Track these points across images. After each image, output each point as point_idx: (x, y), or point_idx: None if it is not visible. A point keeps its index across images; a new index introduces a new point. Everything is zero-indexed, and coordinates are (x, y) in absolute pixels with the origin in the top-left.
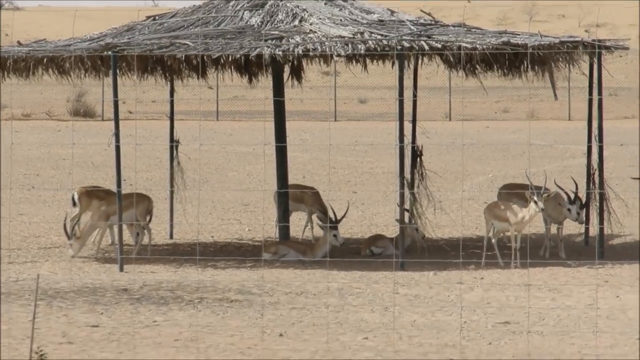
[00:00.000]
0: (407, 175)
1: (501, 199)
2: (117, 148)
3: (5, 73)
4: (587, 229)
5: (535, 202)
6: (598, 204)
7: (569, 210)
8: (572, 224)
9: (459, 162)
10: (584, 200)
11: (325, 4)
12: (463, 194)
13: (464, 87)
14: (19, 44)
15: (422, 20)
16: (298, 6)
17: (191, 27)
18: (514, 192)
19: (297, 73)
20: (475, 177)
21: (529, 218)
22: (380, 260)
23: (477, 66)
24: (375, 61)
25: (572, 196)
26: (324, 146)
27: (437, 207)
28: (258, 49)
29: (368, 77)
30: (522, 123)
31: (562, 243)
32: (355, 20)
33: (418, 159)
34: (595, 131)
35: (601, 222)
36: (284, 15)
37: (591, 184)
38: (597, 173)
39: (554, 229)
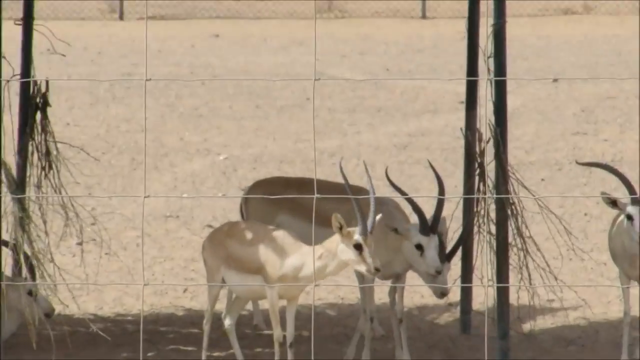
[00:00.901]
0: (10, 157)
1: (249, 217)
2: None
3: None
4: (465, 292)
5: (341, 230)
6: (494, 231)
7: (418, 248)
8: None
9: (139, 125)
10: (454, 227)
11: None
12: (148, 202)
13: None
14: None
15: None
16: None
17: None
18: (285, 200)
19: None
20: (185, 160)
21: (322, 267)
22: None
23: None
24: None
25: (430, 216)
26: None
27: (87, 238)
28: None
29: None
30: (303, 26)
31: (403, 328)
32: None
33: (38, 115)
34: (486, 48)
35: (502, 276)
36: None
37: (477, 183)
38: (489, 152)
39: (382, 290)
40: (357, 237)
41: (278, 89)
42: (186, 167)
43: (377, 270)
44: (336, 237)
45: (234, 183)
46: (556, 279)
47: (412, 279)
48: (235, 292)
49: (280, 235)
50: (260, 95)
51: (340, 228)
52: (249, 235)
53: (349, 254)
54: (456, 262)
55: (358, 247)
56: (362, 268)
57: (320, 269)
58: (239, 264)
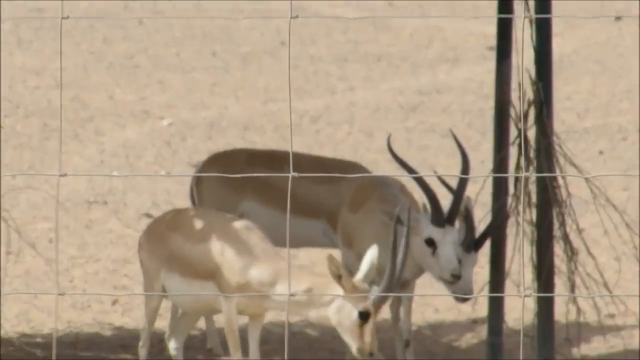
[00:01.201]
0: None
1: (202, 203)
2: None
3: None
4: (495, 305)
5: (340, 279)
6: (534, 224)
7: (430, 244)
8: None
9: (53, 78)
10: (480, 214)
11: None
12: (66, 182)
13: None
14: None
15: None
16: None
17: None
18: (250, 180)
19: None
20: (115, 127)
21: (300, 303)
22: None
23: None
24: None
25: (449, 201)
26: None
27: None
28: None
29: None
30: None
31: (410, 353)
32: None
33: None
34: None
35: (545, 283)
36: None
37: (515, 157)
38: (528, 115)
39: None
40: (370, 303)
41: (242, 31)
42: (117, 136)
43: (371, 354)
44: (333, 281)
45: (182, 157)
46: (610, 292)
47: (423, 286)
48: (180, 305)
49: (244, 227)
50: (218, 39)
51: (340, 277)
52: (199, 226)
53: (347, 318)
54: (483, 265)
55: (364, 316)
56: (353, 345)
57: (296, 304)
58: (185, 266)
